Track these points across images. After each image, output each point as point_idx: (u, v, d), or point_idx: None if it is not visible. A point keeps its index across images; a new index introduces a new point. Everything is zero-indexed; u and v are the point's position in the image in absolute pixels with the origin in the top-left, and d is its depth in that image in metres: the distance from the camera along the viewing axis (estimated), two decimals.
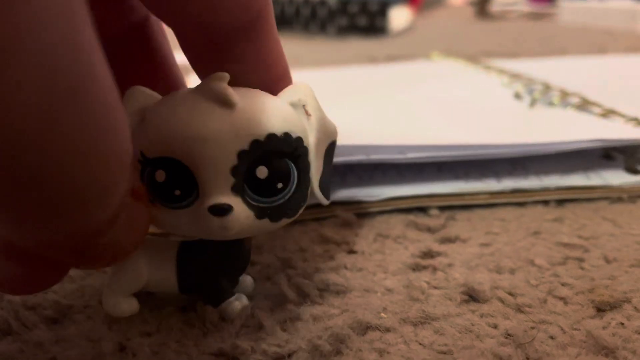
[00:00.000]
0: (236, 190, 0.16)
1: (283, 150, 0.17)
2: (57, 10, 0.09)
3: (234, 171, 0.16)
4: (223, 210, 0.16)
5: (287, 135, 0.17)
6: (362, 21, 0.96)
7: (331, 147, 0.20)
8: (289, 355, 0.17)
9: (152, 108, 0.17)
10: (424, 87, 0.45)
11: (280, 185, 0.17)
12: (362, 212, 0.26)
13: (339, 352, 0.17)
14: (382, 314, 0.19)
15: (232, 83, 0.17)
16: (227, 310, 0.18)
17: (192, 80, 0.19)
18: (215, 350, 0.17)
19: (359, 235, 0.24)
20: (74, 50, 0.10)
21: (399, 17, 1.03)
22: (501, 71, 0.47)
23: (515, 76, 0.44)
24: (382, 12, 0.96)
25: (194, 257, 0.18)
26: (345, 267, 0.22)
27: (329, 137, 0.20)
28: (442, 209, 0.27)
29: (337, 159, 0.27)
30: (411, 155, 0.27)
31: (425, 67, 0.56)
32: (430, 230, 0.25)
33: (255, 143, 0.16)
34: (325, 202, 0.20)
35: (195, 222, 0.17)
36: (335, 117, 0.36)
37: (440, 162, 0.29)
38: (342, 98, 0.42)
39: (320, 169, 0.19)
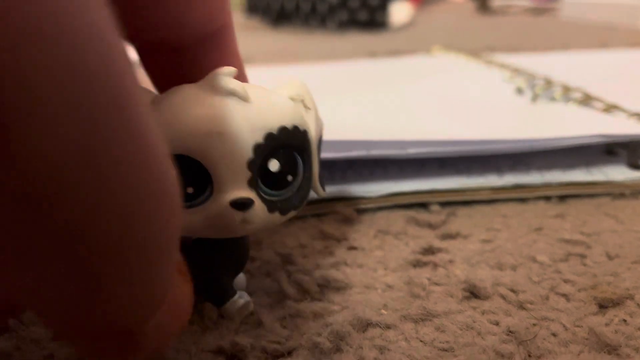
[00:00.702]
0: (251, 184, 0.16)
1: (293, 143, 0.17)
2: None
3: (250, 165, 0.16)
4: (245, 205, 0.16)
5: (296, 128, 0.17)
6: (363, 16, 0.96)
7: (320, 142, 0.20)
8: (289, 353, 0.16)
9: (158, 105, 0.16)
10: (424, 82, 0.45)
11: (290, 177, 0.17)
12: (362, 208, 0.26)
13: (339, 350, 0.16)
14: (383, 311, 0.18)
15: None
16: (230, 309, 0.18)
17: None
18: (215, 347, 0.17)
19: (359, 231, 0.24)
20: (107, 60, 0.08)
21: (399, 11, 1.03)
22: (503, 66, 0.47)
23: (516, 71, 0.44)
24: (383, 6, 0.95)
25: (195, 258, 0.17)
26: (346, 264, 0.22)
27: (320, 131, 0.20)
28: (443, 204, 0.27)
29: (338, 154, 0.26)
30: (412, 151, 0.27)
31: (426, 62, 0.55)
32: (431, 226, 0.25)
33: (270, 136, 0.16)
34: (323, 194, 0.20)
35: (209, 219, 0.16)
36: (336, 112, 0.36)
37: (441, 158, 0.29)
38: (342, 93, 0.42)
39: (317, 162, 0.19)
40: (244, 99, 0.16)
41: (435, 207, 0.26)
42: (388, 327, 0.18)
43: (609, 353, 0.16)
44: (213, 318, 0.18)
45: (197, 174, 0.16)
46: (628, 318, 0.18)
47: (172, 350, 0.17)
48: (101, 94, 0.08)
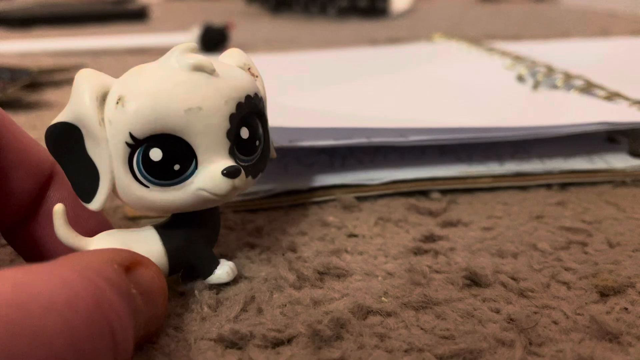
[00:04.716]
0: (231, 152, 0.17)
1: (255, 110, 0.18)
2: None
3: (229, 135, 0.17)
4: (236, 172, 0.17)
5: (256, 95, 0.18)
6: (363, 3, 0.95)
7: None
8: (289, 341, 0.16)
9: (129, 87, 0.17)
10: (425, 70, 0.44)
11: (257, 142, 0.18)
12: (362, 195, 0.26)
13: (339, 337, 0.16)
14: (383, 298, 0.18)
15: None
16: (220, 277, 0.19)
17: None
18: (215, 335, 0.16)
19: (360, 218, 0.24)
20: None
21: None
22: (504, 54, 0.46)
23: (518, 59, 0.44)
24: None
25: (177, 236, 0.18)
26: (346, 251, 0.21)
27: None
28: (444, 192, 0.26)
29: (338, 141, 0.26)
30: (413, 138, 0.27)
31: (426, 49, 0.55)
32: (431, 213, 0.25)
33: (240, 105, 0.17)
34: (275, 155, 0.21)
35: (198, 192, 0.17)
36: (336, 100, 0.35)
37: (442, 145, 0.29)
38: (342, 81, 0.41)
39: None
40: (211, 72, 0.17)
41: (436, 195, 0.26)
42: (388, 314, 0.18)
43: (610, 341, 0.16)
44: (213, 305, 0.18)
45: (180, 150, 0.17)
46: (629, 306, 0.18)
47: (172, 339, 0.17)
48: None
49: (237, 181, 0.17)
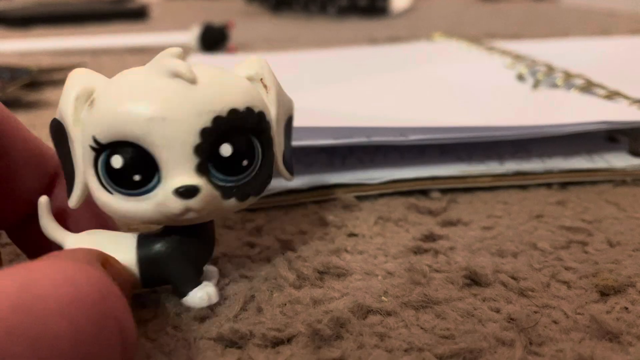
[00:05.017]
0: (201, 170, 0.16)
1: (247, 126, 0.17)
2: None
3: (197, 150, 0.16)
4: (190, 192, 0.16)
5: (249, 109, 0.16)
6: (363, 2, 0.95)
7: (289, 123, 0.20)
8: (289, 340, 0.16)
9: (102, 90, 0.16)
10: (425, 69, 0.44)
11: (245, 162, 0.17)
12: (362, 194, 0.26)
13: (339, 337, 0.16)
14: (383, 298, 0.18)
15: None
16: (193, 301, 0.17)
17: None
18: (214, 335, 0.16)
19: (360, 218, 0.24)
20: None
21: None
22: (504, 53, 0.46)
23: (518, 58, 0.43)
24: None
25: (154, 247, 0.17)
26: (346, 250, 0.21)
27: (287, 111, 0.19)
28: (444, 191, 0.26)
29: (338, 140, 0.26)
30: (413, 137, 0.27)
31: (427, 48, 0.55)
32: (431, 213, 0.24)
33: (218, 119, 0.16)
34: (289, 178, 0.20)
35: (158, 207, 0.16)
36: (336, 99, 0.35)
37: (442, 145, 0.29)
38: (342, 80, 0.41)
39: (282, 144, 0.19)
40: (190, 81, 0.16)
41: (435, 194, 0.26)
42: (388, 314, 0.17)
43: (610, 340, 0.16)
44: (212, 305, 0.18)
45: (144, 160, 0.16)
46: (629, 306, 0.18)
47: (171, 338, 0.17)
48: None
49: (192, 202, 0.16)
